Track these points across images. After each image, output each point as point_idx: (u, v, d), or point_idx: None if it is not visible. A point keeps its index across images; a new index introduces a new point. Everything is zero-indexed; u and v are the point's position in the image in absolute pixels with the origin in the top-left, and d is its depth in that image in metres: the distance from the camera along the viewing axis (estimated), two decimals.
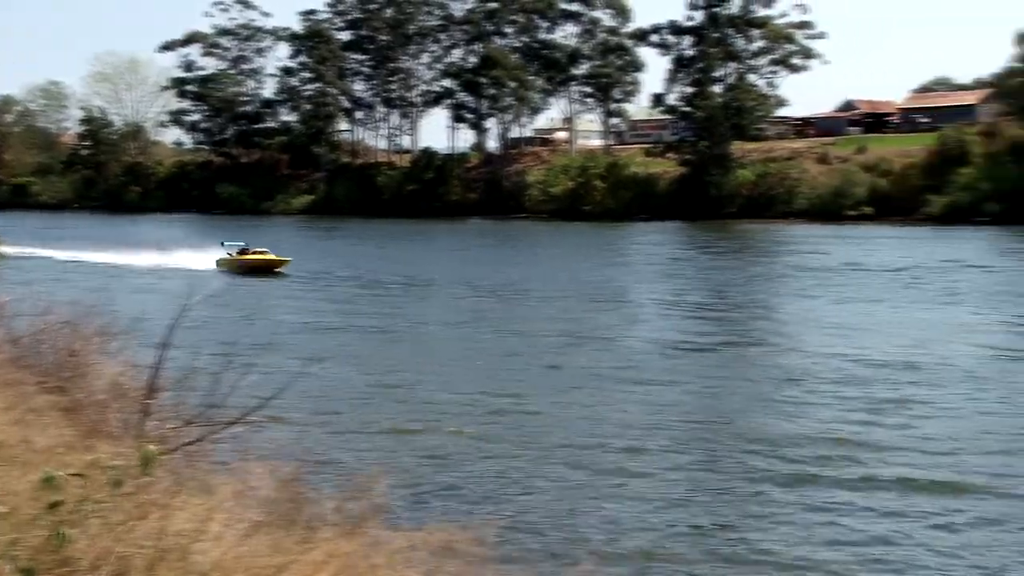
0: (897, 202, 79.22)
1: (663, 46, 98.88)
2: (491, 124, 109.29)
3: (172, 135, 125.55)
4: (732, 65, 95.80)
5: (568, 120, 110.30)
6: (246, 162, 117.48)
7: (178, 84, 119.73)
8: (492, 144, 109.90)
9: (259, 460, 7.18)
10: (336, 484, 7.98)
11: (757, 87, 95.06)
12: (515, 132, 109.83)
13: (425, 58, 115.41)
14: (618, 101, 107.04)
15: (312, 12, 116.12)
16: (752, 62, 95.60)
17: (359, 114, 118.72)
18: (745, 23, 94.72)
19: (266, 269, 48.67)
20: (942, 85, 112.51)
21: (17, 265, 46.87)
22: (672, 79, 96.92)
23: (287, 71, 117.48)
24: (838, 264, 49.83)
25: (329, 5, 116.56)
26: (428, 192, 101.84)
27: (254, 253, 50.21)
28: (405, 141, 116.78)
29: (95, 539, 5.31)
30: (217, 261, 50.28)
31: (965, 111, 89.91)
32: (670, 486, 15.73)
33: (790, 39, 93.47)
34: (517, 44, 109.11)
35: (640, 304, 38.39)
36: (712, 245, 65.13)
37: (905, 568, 12.65)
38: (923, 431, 18.73)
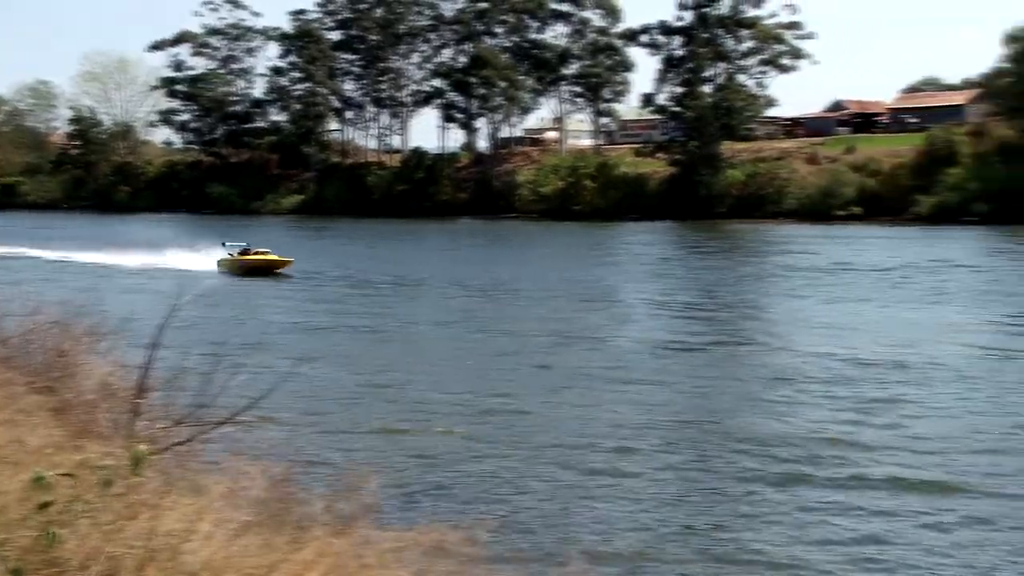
0: (886, 202, 79.45)
1: (653, 46, 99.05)
2: (481, 124, 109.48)
3: (162, 135, 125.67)
4: (722, 65, 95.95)
5: (558, 120, 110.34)
6: (236, 162, 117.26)
7: (168, 84, 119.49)
8: (482, 144, 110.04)
9: (249, 460, 7.17)
10: (326, 484, 7.97)
11: (746, 87, 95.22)
12: (505, 132, 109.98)
13: (415, 58, 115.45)
14: (608, 101, 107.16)
15: (302, 12, 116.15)
16: (741, 62, 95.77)
17: (349, 114, 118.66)
18: (734, 23, 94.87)
19: (268, 270, 48.14)
20: (930, 85, 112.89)
21: (6, 265, 46.83)
22: (662, 79, 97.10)
23: (277, 71, 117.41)
24: (827, 264, 49.93)
25: (319, 5, 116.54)
26: (418, 192, 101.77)
27: (256, 253, 49.55)
28: (395, 141, 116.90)
29: (85, 539, 5.29)
30: (218, 262, 49.53)
31: (953, 111, 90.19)
32: (661, 486, 15.74)
33: (779, 39, 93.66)
34: (507, 44, 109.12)
35: (630, 304, 38.41)
36: (702, 245, 65.23)
37: (896, 567, 12.67)
38: (912, 431, 18.78)
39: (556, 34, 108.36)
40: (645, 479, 16.03)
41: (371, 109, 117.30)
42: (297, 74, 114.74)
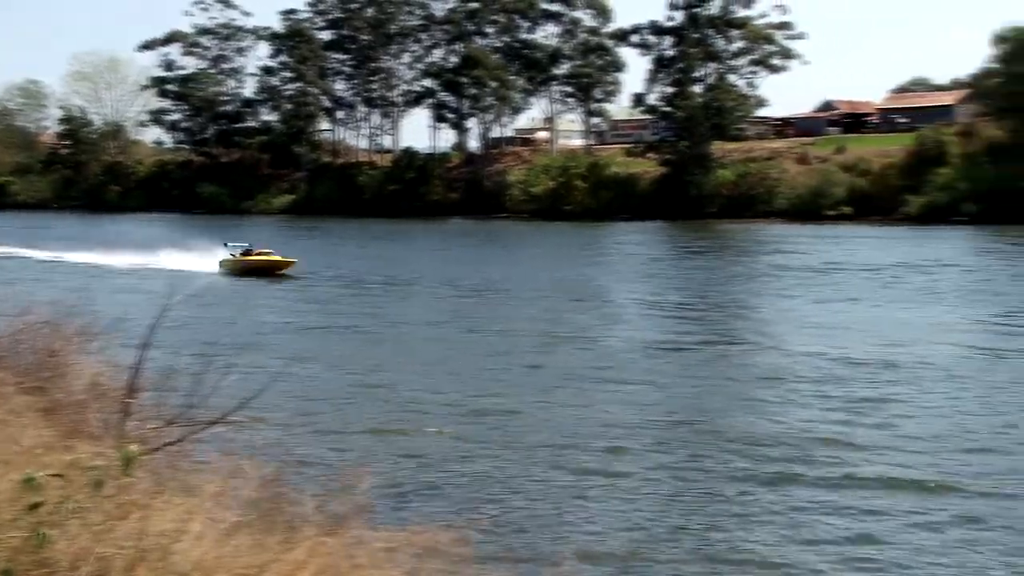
0: (876, 202, 79.66)
1: (644, 46, 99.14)
2: (472, 124, 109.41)
3: (152, 134, 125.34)
4: (712, 65, 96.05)
5: (549, 120, 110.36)
6: (226, 161, 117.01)
7: (158, 83, 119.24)
8: (473, 144, 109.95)
9: (241, 460, 7.15)
10: (318, 484, 7.95)
11: (737, 87, 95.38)
12: (496, 132, 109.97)
13: (406, 58, 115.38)
14: (599, 101, 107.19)
15: (293, 11, 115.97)
16: (732, 62, 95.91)
17: (340, 114, 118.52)
18: (725, 24, 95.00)
19: (271, 271, 47.66)
20: (920, 85, 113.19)
21: None
22: (652, 79, 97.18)
23: (268, 70, 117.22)
24: (818, 264, 50.02)
25: (310, 4, 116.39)
26: (409, 192, 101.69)
27: (258, 254, 49.02)
28: (386, 141, 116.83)
29: (74, 540, 5.27)
30: (220, 262, 48.92)
31: (943, 111, 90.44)
32: (653, 485, 15.75)
33: (769, 39, 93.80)
34: (498, 44, 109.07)
35: (621, 304, 38.43)
36: (692, 245, 65.30)
37: (887, 567, 12.70)
38: (903, 430, 18.82)
39: (547, 34, 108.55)
40: (637, 479, 16.04)
41: (362, 109, 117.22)
42: (288, 74, 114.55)
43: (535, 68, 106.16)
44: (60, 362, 9.93)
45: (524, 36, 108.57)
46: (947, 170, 78.86)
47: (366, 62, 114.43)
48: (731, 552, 13.12)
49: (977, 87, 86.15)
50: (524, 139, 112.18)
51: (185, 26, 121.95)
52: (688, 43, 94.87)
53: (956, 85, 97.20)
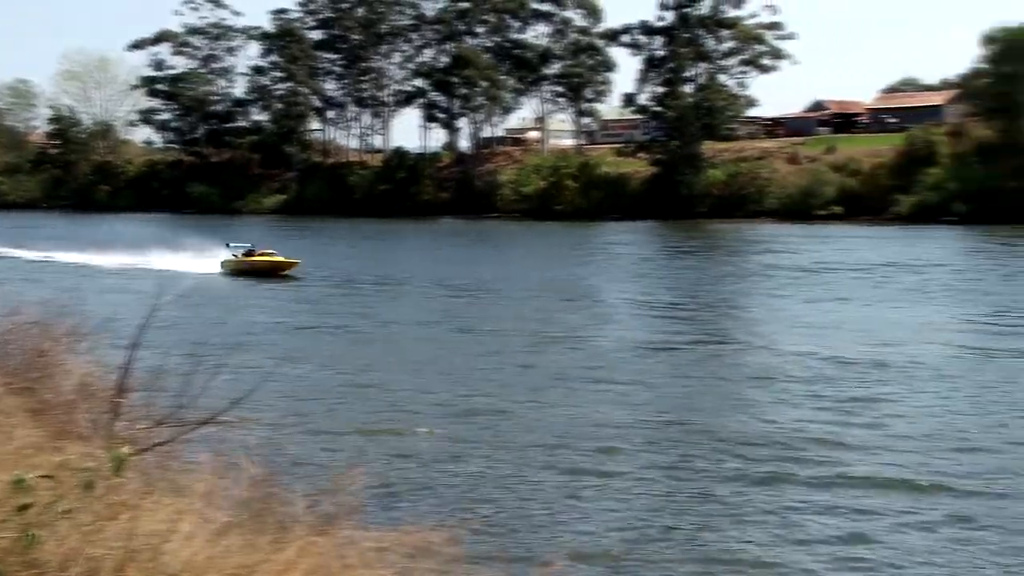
0: (866, 202, 79.85)
1: (634, 46, 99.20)
2: (463, 124, 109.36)
3: (142, 134, 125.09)
4: (703, 65, 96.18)
5: (540, 120, 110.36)
6: (217, 161, 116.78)
7: (148, 83, 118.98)
8: (464, 144, 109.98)
9: (231, 460, 7.12)
10: (309, 484, 7.93)
11: (727, 87, 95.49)
12: (487, 132, 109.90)
13: (397, 57, 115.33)
14: (590, 101, 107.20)
15: (283, 11, 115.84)
16: (722, 62, 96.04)
17: (331, 113, 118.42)
18: (715, 23, 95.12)
19: (274, 271, 47.07)
20: (909, 86, 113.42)
21: None
22: (643, 79, 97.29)
23: (258, 70, 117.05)
24: (808, 263, 50.10)
25: (300, 4, 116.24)
26: (400, 192, 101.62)
27: (261, 254, 48.37)
28: (377, 141, 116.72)
29: (64, 540, 5.24)
30: (222, 263, 48.51)
31: (932, 111, 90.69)
32: (644, 485, 15.74)
33: (760, 40, 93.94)
34: (489, 44, 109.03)
35: (612, 303, 38.45)
36: (683, 245, 65.38)
37: (878, 566, 12.71)
38: (894, 429, 18.86)
39: (537, 34, 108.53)
40: (629, 479, 16.03)
41: (353, 109, 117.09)
42: (278, 73, 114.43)
43: (526, 68, 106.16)
44: (49, 362, 9.89)
45: (515, 36, 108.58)
46: (937, 170, 79.11)
47: (357, 62, 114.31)
48: (723, 552, 13.12)
49: (966, 87, 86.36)
50: (515, 139, 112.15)
51: (175, 25, 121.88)
52: (678, 43, 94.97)
53: (945, 85, 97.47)
